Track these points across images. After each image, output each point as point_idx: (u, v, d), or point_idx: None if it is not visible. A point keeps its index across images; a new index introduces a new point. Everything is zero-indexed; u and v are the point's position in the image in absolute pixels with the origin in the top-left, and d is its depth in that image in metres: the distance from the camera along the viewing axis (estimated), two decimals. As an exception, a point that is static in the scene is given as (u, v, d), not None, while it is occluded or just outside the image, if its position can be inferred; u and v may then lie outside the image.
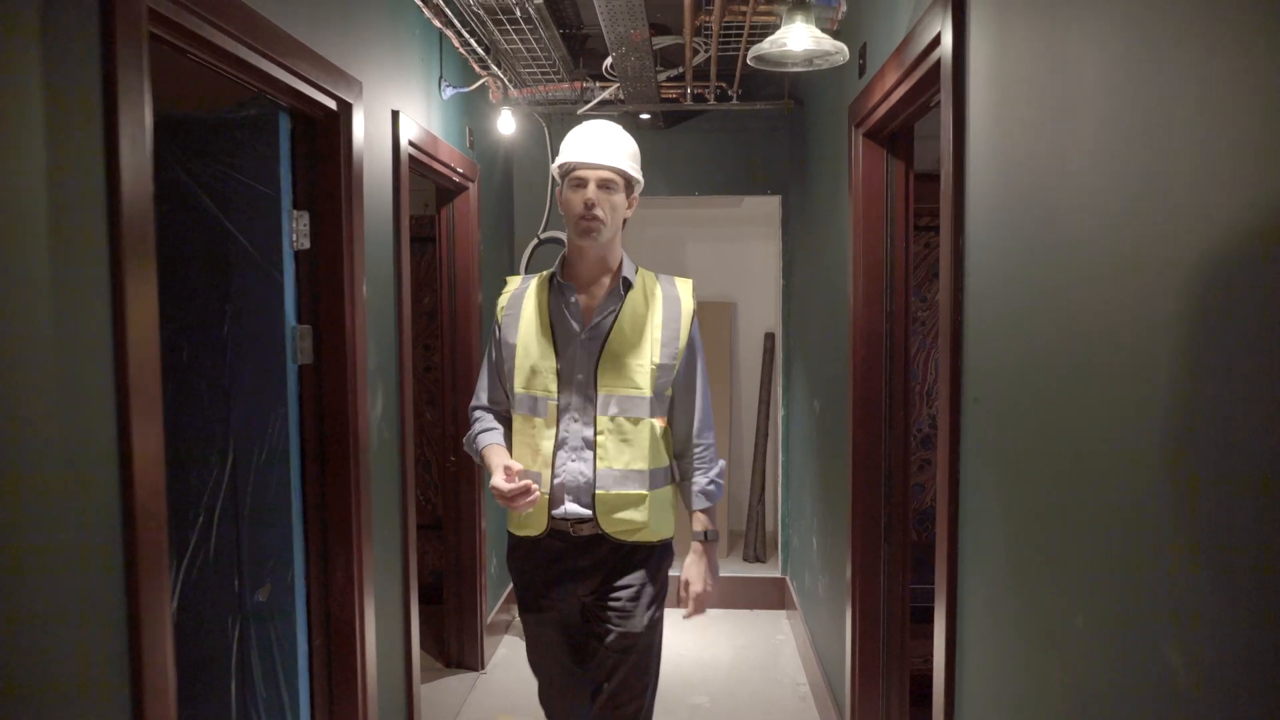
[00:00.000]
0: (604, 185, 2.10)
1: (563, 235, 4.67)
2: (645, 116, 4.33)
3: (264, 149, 2.27)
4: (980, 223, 1.64)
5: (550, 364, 2.15)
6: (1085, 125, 1.19)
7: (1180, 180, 0.95)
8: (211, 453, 2.33)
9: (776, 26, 3.10)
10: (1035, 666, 1.36)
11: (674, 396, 2.20)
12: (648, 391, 2.13)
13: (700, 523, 2.25)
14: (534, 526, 2.19)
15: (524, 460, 2.18)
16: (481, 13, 2.95)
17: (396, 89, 2.82)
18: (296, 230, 2.34)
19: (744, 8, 3.00)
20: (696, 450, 2.25)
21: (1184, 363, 0.94)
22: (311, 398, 2.41)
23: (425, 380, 4.60)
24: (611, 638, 2.18)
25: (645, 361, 2.13)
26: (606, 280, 2.19)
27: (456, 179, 3.56)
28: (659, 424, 2.17)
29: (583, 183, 2.11)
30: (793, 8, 2.22)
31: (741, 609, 4.75)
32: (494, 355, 2.29)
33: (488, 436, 2.26)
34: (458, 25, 3.00)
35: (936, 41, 1.84)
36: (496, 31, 3.15)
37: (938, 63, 1.88)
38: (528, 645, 2.33)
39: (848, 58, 2.33)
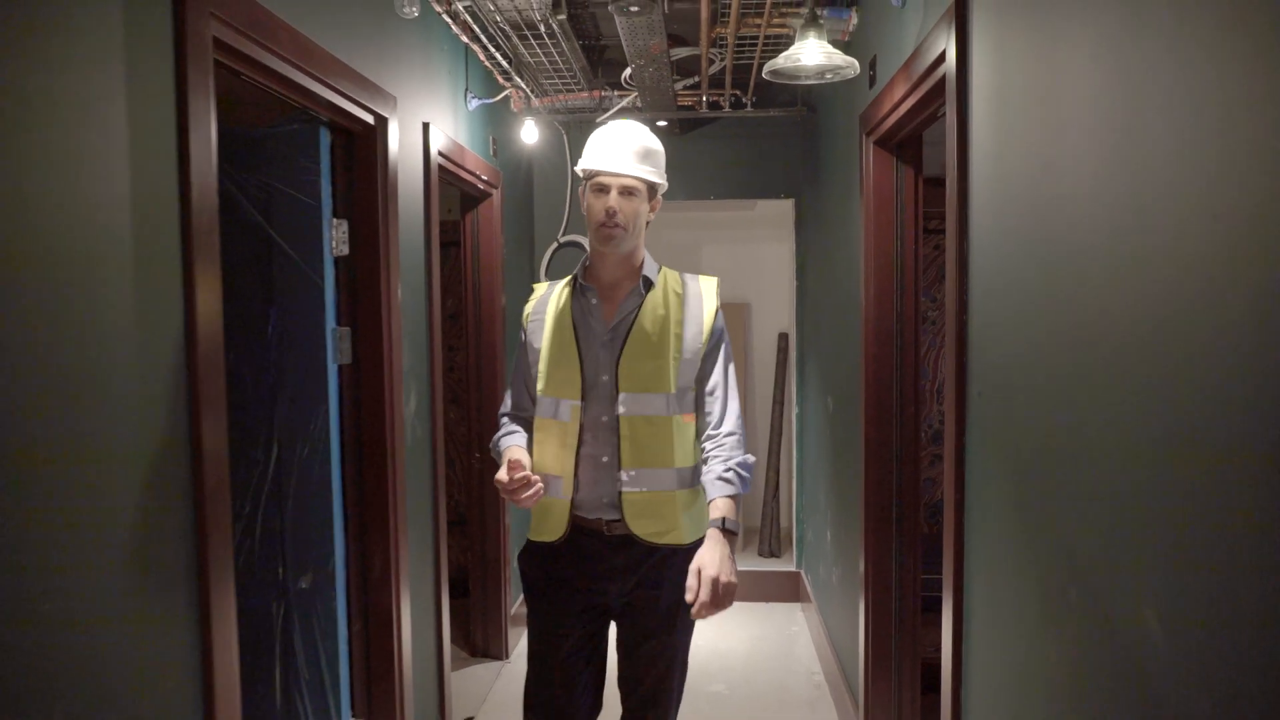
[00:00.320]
0: (626, 192, 2.08)
1: (581, 239, 4.81)
2: (662, 123, 4.46)
3: (306, 161, 2.41)
4: (983, 228, 1.76)
5: (574, 366, 2.12)
6: (1075, 138, 1.31)
7: (1160, 190, 1.07)
8: (257, 447, 2.47)
9: (789, 37, 3.22)
10: (1036, 643, 1.47)
11: (699, 391, 2.17)
12: (671, 389, 2.10)
13: (718, 510, 2.03)
14: (550, 532, 2.14)
15: (547, 463, 2.14)
16: (507, 28, 3.09)
17: (427, 102, 2.96)
18: (336, 237, 2.48)
19: (758, 20, 3.12)
20: (719, 441, 2.13)
21: (1165, 356, 1.05)
22: (350, 396, 2.55)
23: (449, 380, 4.74)
24: (641, 649, 2.13)
25: (667, 359, 2.11)
26: (629, 281, 2.17)
27: (481, 186, 3.70)
28: (685, 421, 2.15)
29: (605, 189, 2.09)
30: (806, 24, 2.34)
31: (757, 602, 4.87)
32: (521, 362, 2.28)
33: (509, 439, 2.22)
34: (484, 40, 3.13)
35: (942, 58, 1.96)
36: (521, 45, 3.28)
37: (943, 78, 2.00)
38: (531, 652, 2.20)
39: (858, 71, 2.44)
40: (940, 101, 2.18)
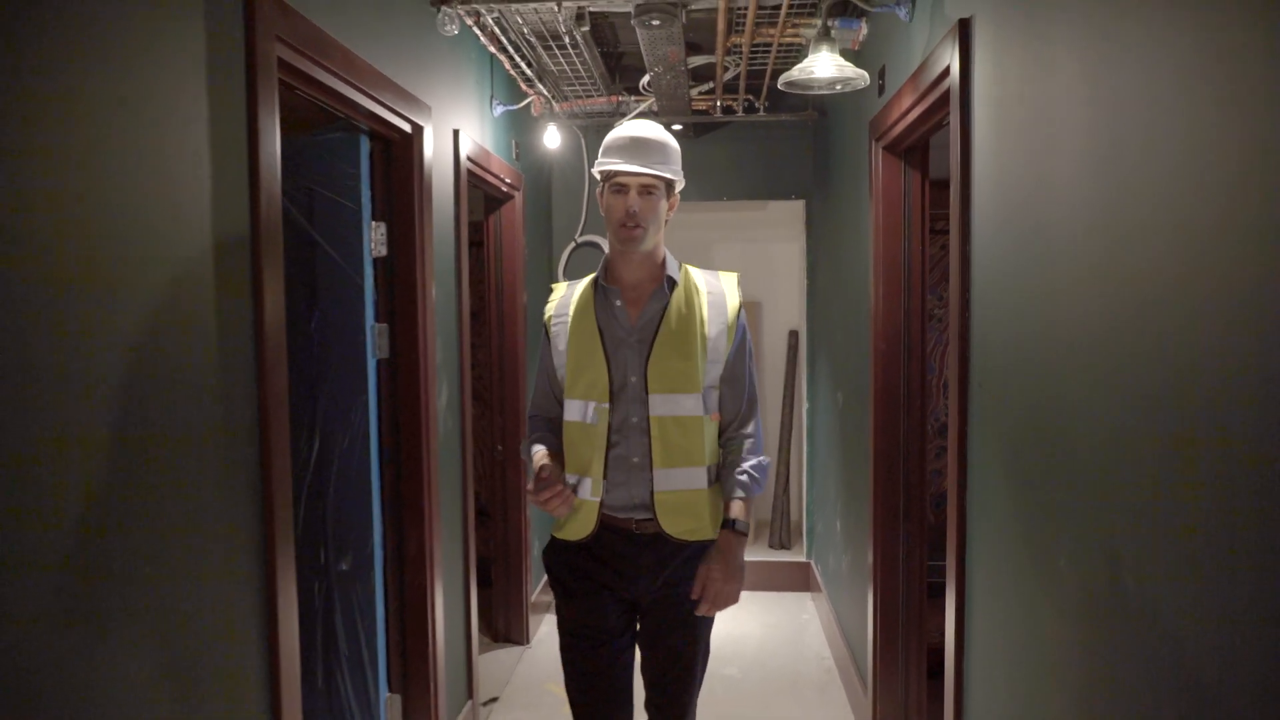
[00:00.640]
0: (645, 191, 2.07)
1: (599, 239, 4.96)
2: (677, 127, 4.60)
3: (347, 167, 2.56)
4: (984, 231, 1.90)
5: (600, 368, 2.11)
6: (1065, 151, 1.45)
7: (1135, 200, 1.21)
8: (301, 437, 2.62)
9: (802, 45, 3.36)
10: (1033, 613, 1.61)
11: (721, 390, 2.18)
12: (698, 389, 2.11)
13: (731, 511, 2.14)
14: (577, 530, 2.14)
15: (577, 464, 2.14)
16: (533, 39, 3.24)
17: (456, 109, 3.11)
18: (375, 239, 2.63)
19: (772, 30, 3.26)
20: (740, 441, 2.20)
21: (1138, 344, 1.20)
22: (388, 389, 2.70)
23: (471, 377, 4.88)
24: (666, 642, 2.16)
25: (694, 359, 2.11)
26: (651, 282, 2.16)
27: (504, 188, 3.85)
28: (712, 420, 2.17)
29: (624, 188, 2.07)
30: (819, 38, 2.48)
31: (768, 591, 5.01)
32: (546, 363, 2.27)
33: (537, 445, 2.21)
34: (509, 50, 3.28)
35: (947, 72, 2.10)
36: (545, 55, 3.43)
37: (948, 90, 2.13)
38: (564, 647, 2.20)
39: (868, 83, 2.58)
40: (945, 111, 2.31)
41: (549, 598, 4.69)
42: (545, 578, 4.63)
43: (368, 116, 2.43)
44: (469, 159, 3.22)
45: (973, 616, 2.00)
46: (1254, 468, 0.94)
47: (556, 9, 2.84)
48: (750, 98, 4.30)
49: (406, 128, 2.61)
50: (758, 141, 4.95)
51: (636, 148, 2.07)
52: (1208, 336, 1.02)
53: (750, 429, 2.21)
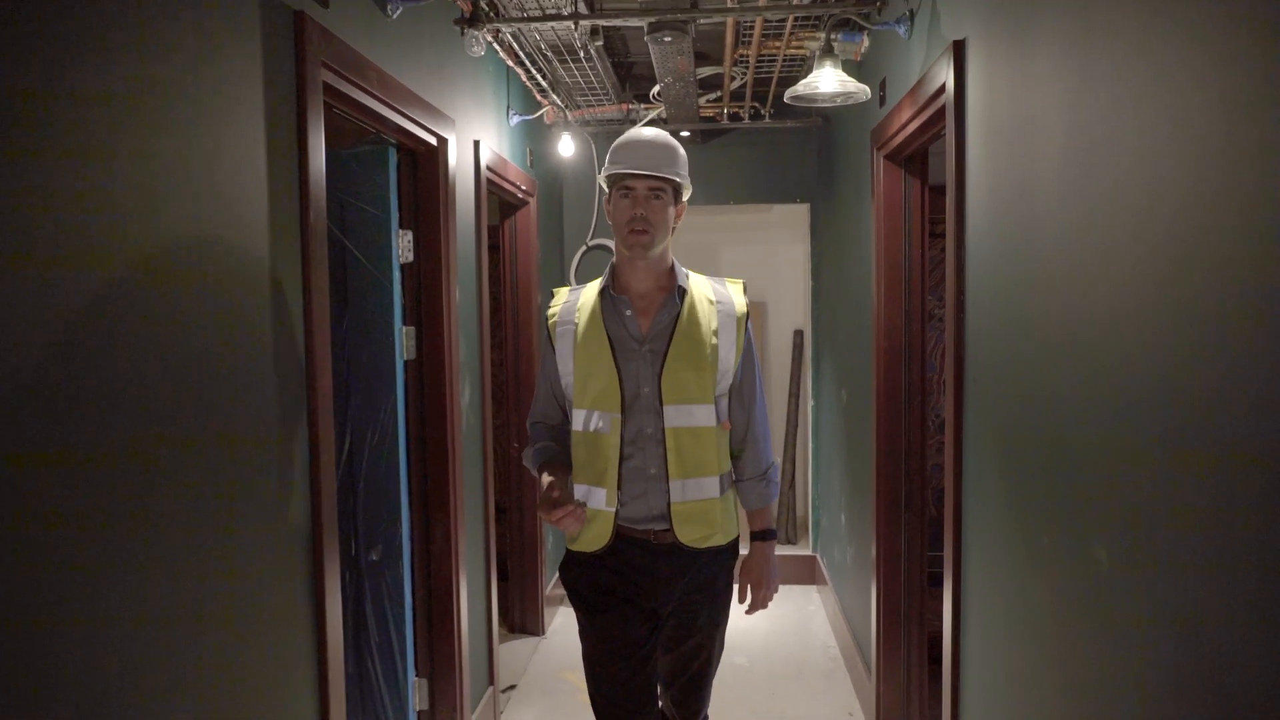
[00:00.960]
0: (652, 194, 2.06)
1: (609, 243, 5.11)
2: (685, 133, 4.75)
3: (376, 178, 2.70)
4: (977, 238, 2.04)
5: (612, 379, 2.09)
6: (1046, 164, 1.59)
7: (1108, 210, 1.35)
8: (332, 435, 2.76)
9: (806, 56, 3.49)
10: (1024, 590, 1.75)
11: (731, 398, 2.19)
12: (711, 399, 2.12)
13: (759, 522, 2.25)
14: (593, 542, 2.15)
15: (589, 475, 2.14)
16: (549, 52, 3.38)
17: (476, 121, 3.25)
18: (402, 246, 2.77)
19: (778, 43, 3.40)
20: (752, 450, 2.23)
21: (1112, 338, 1.34)
22: (414, 389, 2.84)
23: (490, 377, 5.03)
24: (686, 645, 2.21)
25: (706, 370, 2.11)
26: (660, 290, 2.15)
27: (520, 195, 3.99)
28: (724, 429, 2.18)
29: (631, 192, 2.07)
30: (823, 54, 2.62)
31: (775, 585, 5.15)
32: (549, 370, 2.24)
33: (542, 455, 2.23)
34: (526, 63, 3.43)
35: (943, 89, 2.23)
36: (559, 67, 3.57)
37: (944, 106, 2.27)
38: (589, 658, 2.20)
39: (869, 96, 2.72)
40: (942, 125, 2.45)
41: (562, 590, 4.83)
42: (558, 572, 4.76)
43: (397, 131, 2.57)
44: (488, 168, 3.37)
45: (968, 602, 2.14)
46: (1244, 462, 1.07)
47: (573, 27, 2.98)
48: (756, 105, 4.44)
49: (432, 140, 2.75)
50: (763, 147, 5.10)
51: (643, 152, 2.07)
52: (1178, 332, 1.16)
53: (761, 435, 2.25)
